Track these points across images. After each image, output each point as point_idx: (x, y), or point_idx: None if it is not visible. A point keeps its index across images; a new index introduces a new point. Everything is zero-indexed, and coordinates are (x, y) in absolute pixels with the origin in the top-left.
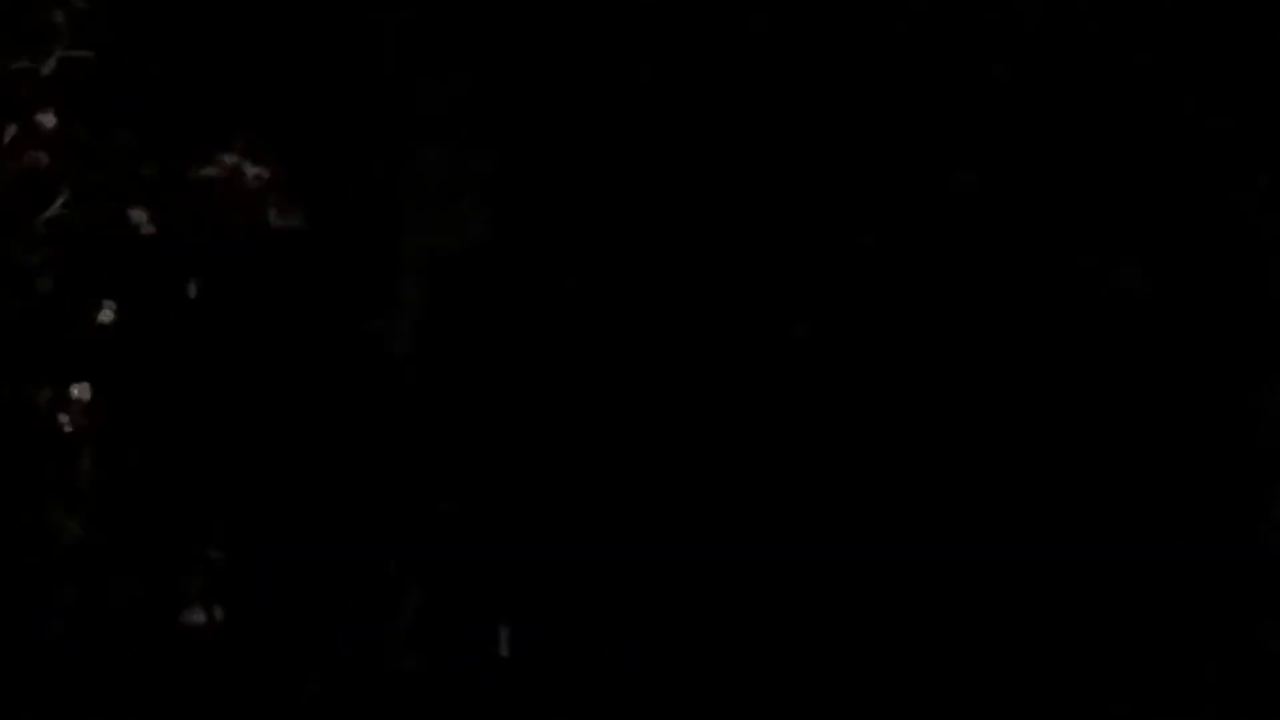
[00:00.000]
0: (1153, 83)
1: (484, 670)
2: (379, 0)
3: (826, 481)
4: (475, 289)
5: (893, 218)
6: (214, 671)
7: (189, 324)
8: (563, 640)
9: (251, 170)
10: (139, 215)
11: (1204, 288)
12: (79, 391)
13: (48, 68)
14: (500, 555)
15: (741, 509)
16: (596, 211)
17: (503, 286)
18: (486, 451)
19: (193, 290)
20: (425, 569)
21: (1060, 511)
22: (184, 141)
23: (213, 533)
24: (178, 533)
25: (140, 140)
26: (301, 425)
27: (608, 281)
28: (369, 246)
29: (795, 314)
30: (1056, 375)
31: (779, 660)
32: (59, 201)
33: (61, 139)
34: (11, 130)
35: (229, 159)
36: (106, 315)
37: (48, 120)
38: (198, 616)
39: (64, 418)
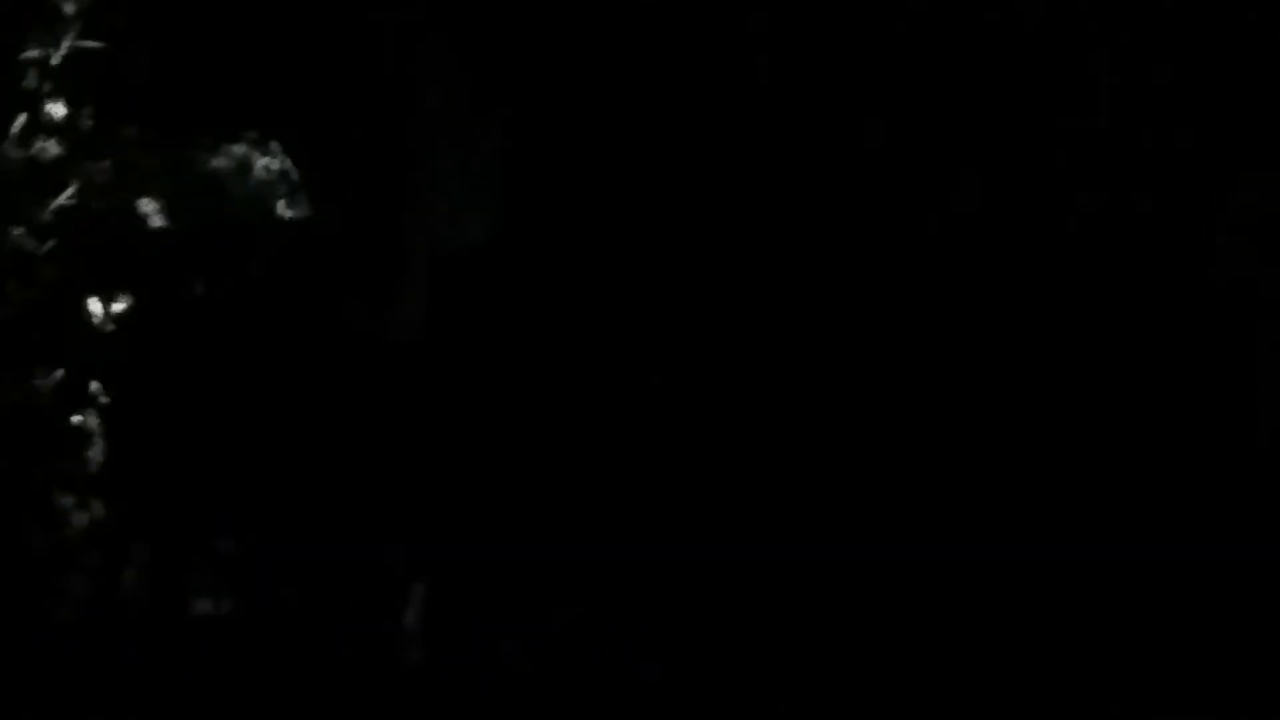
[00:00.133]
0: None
1: (487, 668)
2: None
3: (827, 481)
4: (481, 284)
5: (895, 218)
6: (221, 664)
7: (197, 315)
8: (564, 639)
9: (260, 161)
10: (148, 206)
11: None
12: (86, 382)
13: (57, 57)
14: (504, 553)
15: (744, 509)
16: (604, 207)
17: (509, 282)
18: (491, 448)
19: (200, 285)
20: (430, 565)
21: (1053, 509)
22: (193, 133)
23: (221, 525)
24: (186, 524)
25: (149, 131)
26: (308, 418)
27: (615, 278)
28: (377, 239)
29: (795, 310)
30: (1044, 367)
31: (779, 660)
32: (67, 192)
33: (70, 129)
34: (20, 120)
35: (238, 150)
36: (115, 306)
37: (57, 110)
38: (206, 608)
39: (71, 408)
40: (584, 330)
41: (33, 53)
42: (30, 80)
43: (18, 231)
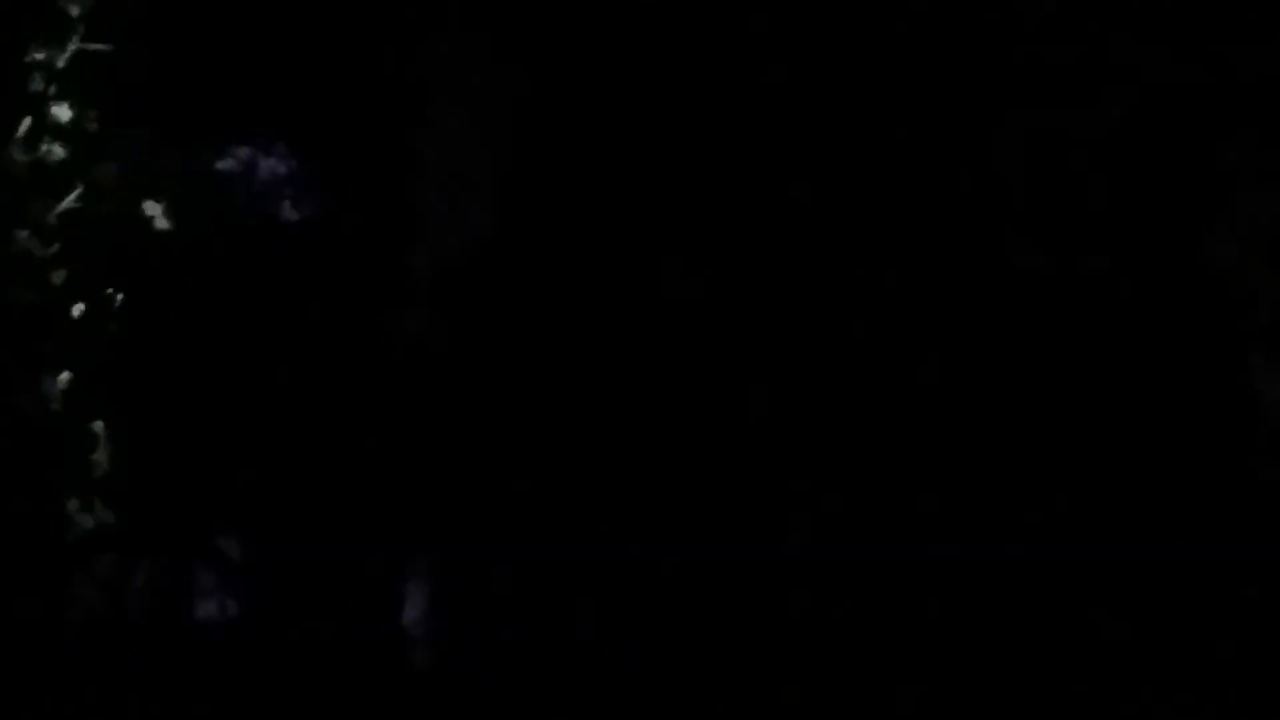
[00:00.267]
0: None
1: (488, 668)
2: None
3: (826, 482)
4: (487, 283)
5: (898, 218)
6: (225, 665)
7: (203, 317)
8: (564, 639)
9: (265, 163)
10: (153, 208)
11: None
12: (93, 386)
13: (62, 60)
14: (507, 554)
15: (744, 509)
16: (608, 206)
17: (514, 281)
18: (493, 448)
19: (206, 287)
20: (432, 566)
21: (1049, 509)
22: (198, 135)
23: (226, 526)
24: (191, 526)
25: (155, 133)
26: (314, 419)
27: (617, 276)
28: (383, 240)
29: (793, 310)
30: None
31: (778, 660)
32: (73, 195)
33: (76, 132)
34: (26, 123)
35: (244, 152)
36: (120, 309)
37: (62, 113)
38: (210, 610)
39: (77, 412)
40: (586, 329)
41: (38, 55)
42: (36, 83)
43: (24, 234)
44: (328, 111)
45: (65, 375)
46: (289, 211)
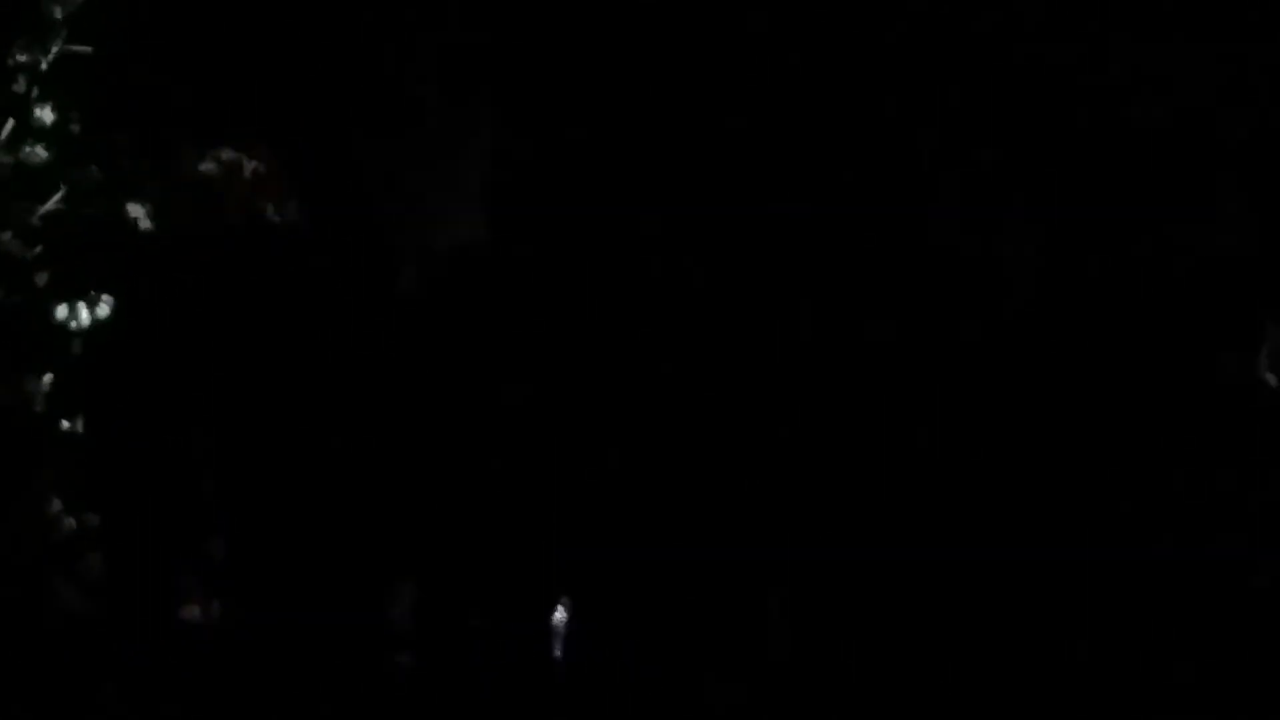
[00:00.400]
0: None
1: (478, 665)
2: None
3: (827, 482)
4: (471, 282)
5: (894, 217)
6: (210, 664)
7: (186, 318)
8: (564, 639)
9: (248, 165)
10: (136, 210)
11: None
12: (76, 387)
13: (45, 63)
14: (504, 553)
15: (745, 509)
16: (593, 205)
17: (499, 280)
18: (487, 448)
19: (189, 289)
20: (419, 564)
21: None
22: (181, 137)
23: (210, 527)
24: (175, 527)
25: (137, 135)
26: (298, 419)
27: (605, 277)
28: (365, 240)
29: (790, 310)
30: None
31: (778, 660)
32: (56, 196)
33: (59, 134)
34: (9, 125)
35: (226, 154)
36: (103, 309)
37: (45, 115)
38: (194, 611)
39: (61, 412)
40: (579, 325)
41: (21, 58)
42: (19, 85)
43: (6, 236)
44: (312, 114)
45: (48, 376)
46: (272, 213)
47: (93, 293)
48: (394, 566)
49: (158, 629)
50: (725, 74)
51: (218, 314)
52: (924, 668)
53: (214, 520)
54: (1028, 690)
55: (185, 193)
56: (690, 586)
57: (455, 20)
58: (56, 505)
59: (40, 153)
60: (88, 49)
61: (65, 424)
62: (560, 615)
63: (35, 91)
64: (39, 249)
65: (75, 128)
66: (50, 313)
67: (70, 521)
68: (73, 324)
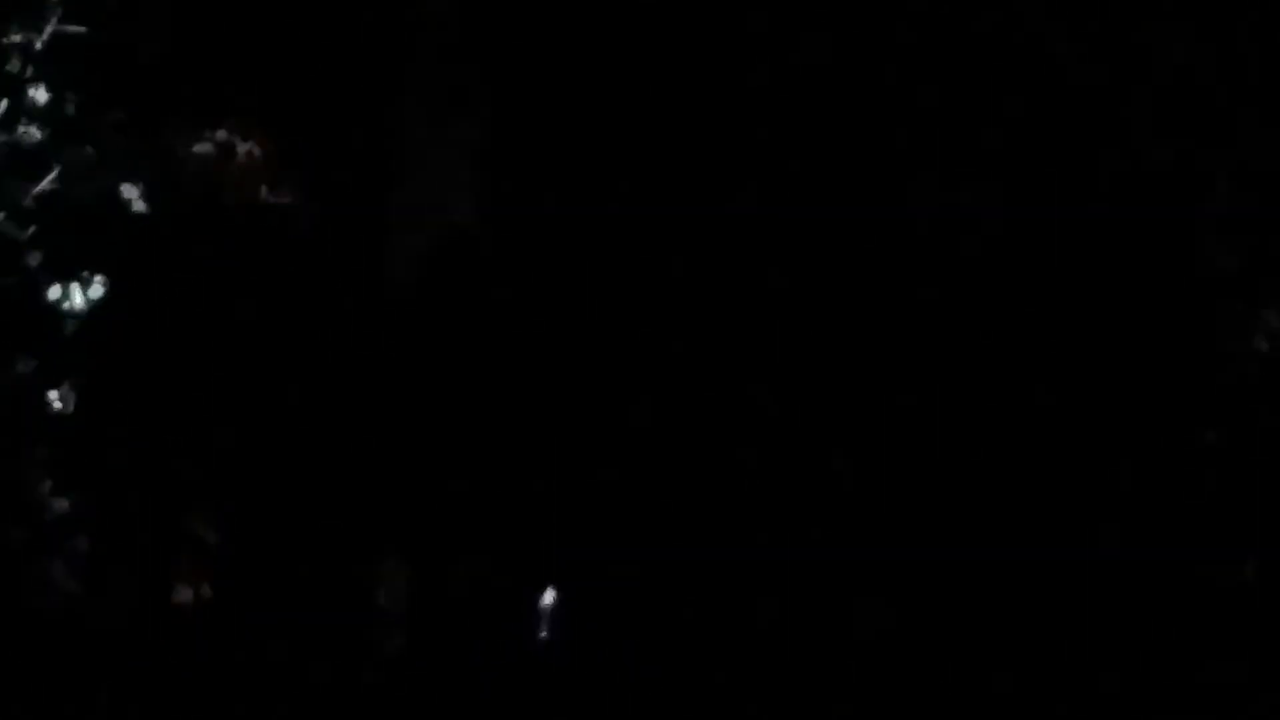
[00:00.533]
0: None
1: (470, 656)
2: None
3: (826, 482)
4: (466, 267)
5: (892, 217)
6: (202, 650)
7: (179, 299)
8: (564, 639)
9: (242, 146)
10: (130, 191)
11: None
12: (67, 368)
13: (40, 43)
14: (504, 552)
15: (745, 509)
16: (586, 194)
17: (493, 265)
18: (482, 443)
19: (182, 269)
20: (410, 554)
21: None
22: (175, 118)
23: (203, 512)
24: (168, 512)
25: (132, 116)
26: (292, 404)
27: (598, 269)
28: (361, 223)
29: (786, 310)
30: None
31: (778, 660)
32: (50, 177)
33: (53, 114)
34: (3, 105)
35: (220, 135)
36: (96, 290)
37: (39, 95)
38: (186, 595)
39: (53, 393)
40: (571, 314)
41: (15, 38)
42: (13, 65)
43: (0, 216)
44: (307, 96)
45: (39, 357)
46: (266, 194)
47: (86, 274)
48: (387, 552)
49: (148, 610)
50: (720, 68)
51: (210, 296)
52: (924, 668)
53: (206, 502)
54: (1027, 690)
55: (178, 174)
56: (688, 586)
57: (452, 10)
58: (47, 486)
59: (34, 133)
60: (82, 29)
61: (57, 405)
62: (548, 600)
63: (29, 71)
64: (32, 229)
65: (70, 108)
66: (43, 293)
67: (61, 503)
68: (65, 305)
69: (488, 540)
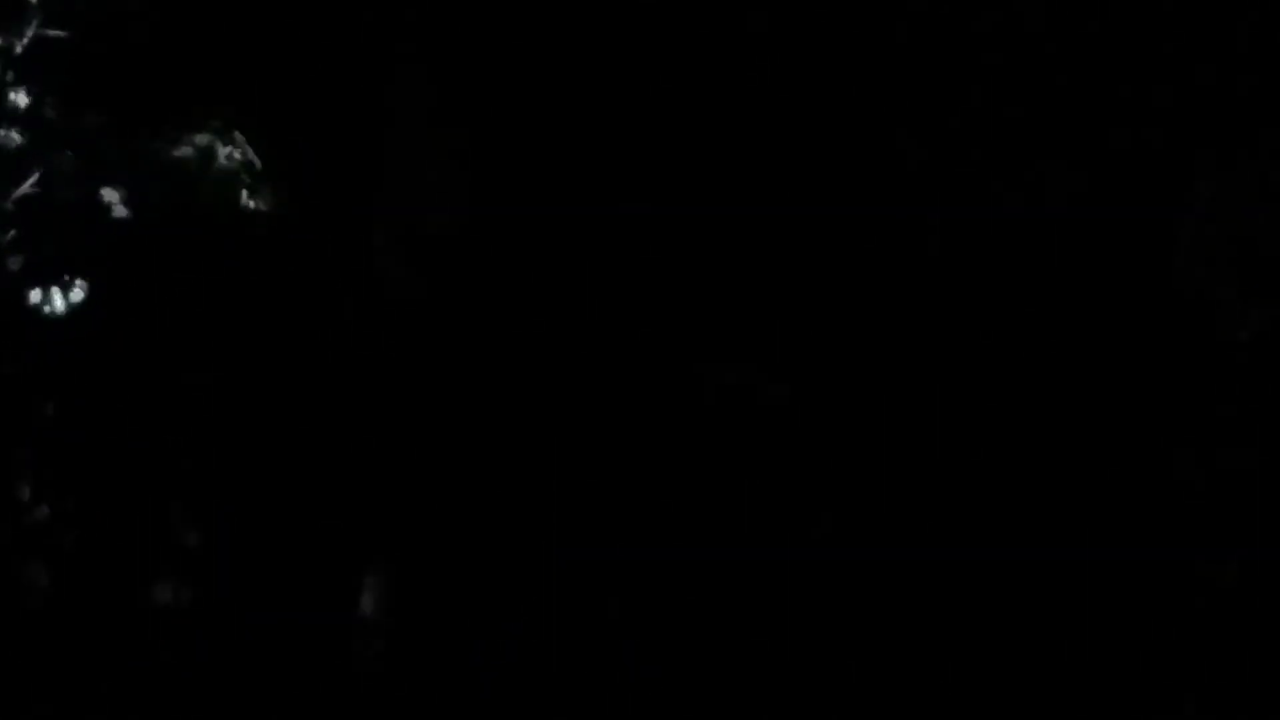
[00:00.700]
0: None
1: (452, 660)
2: None
3: (826, 481)
4: (455, 269)
5: (889, 217)
6: (183, 652)
7: (162, 305)
8: (564, 640)
9: (224, 151)
10: (111, 196)
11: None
12: (49, 372)
13: (20, 46)
14: (502, 551)
15: (744, 508)
16: (580, 195)
17: (484, 267)
18: (476, 444)
19: (164, 275)
20: (392, 556)
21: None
22: (157, 122)
23: (184, 513)
24: (148, 514)
25: (113, 120)
26: (275, 409)
27: (590, 269)
28: (345, 227)
29: (784, 310)
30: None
31: (778, 660)
32: (30, 181)
33: (34, 118)
34: None
35: (202, 139)
36: (77, 294)
37: (20, 99)
38: (166, 596)
39: (33, 397)
40: (565, 314)
41: None
42: None
43: None
44: (289, 99)
45: (21, 361)
46: (248, 200)
47: (67, 278)
48: (374, 556)
49: (128, 612)
50: (715, 69)
51: (192, 300)
52: (923, 668)
53: (189, 504)
54: (1026, 690)
55: (160, 178)
56: (687, 586)
57: (439, 12)
58: (26, 490)
59: (15, 137)
60: (63, 33)
61: (38, 408)
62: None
63: (10, 75)
64: (12, 233)
65: (50, 112)
66: (24, 297)
67: (43, 508)
68: (46, 309)
69: (478, 543)
